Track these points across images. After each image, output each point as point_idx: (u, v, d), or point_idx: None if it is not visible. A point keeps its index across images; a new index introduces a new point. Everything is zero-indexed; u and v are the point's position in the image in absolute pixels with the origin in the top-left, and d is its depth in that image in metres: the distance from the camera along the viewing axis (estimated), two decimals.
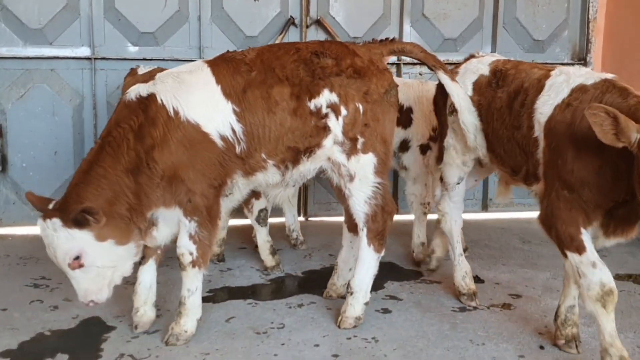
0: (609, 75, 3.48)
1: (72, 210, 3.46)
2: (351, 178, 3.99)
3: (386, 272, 5.06)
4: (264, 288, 4.82)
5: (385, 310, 4.37)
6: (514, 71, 3.96)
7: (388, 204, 4.10)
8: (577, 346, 3.74)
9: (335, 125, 3.91)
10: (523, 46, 6.89)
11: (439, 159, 4.56)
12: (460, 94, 4.16)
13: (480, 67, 4.20)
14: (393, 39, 4.30)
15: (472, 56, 4.48)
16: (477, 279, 4.93)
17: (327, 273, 4.77)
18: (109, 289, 3.67)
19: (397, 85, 4.15)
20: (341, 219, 4.54)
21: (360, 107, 3.94)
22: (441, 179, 4.61)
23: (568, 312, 3.78)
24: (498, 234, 6.27)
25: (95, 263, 3.56)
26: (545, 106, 3.57)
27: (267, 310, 4.34)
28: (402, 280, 4.98)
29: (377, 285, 4.65)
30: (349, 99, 3.91)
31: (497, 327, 4.12)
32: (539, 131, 3.59)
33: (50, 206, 3.57)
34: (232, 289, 4.76)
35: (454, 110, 4.20)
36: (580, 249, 3.31)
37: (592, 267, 3.29)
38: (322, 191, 6.78)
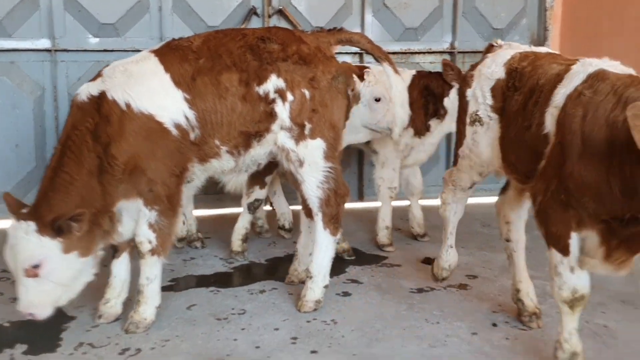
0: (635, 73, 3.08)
1: (45, 217, 3.48)
2: (301, 163, 4.07)
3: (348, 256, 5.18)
4: (227, 276, 4.86)
5: (346, 294, 4.45)
6: (531, 68, 3.53)
7: (340, 187, 4.18)
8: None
9: (282, 110, 3.98)
10: (483, 35, 6.98)
11: (454, 162, 4.25)
12: (400, 88, 4.40)
13: (496, 70, 3.73)
14: (341, 29, 4.42)
15: (491, 46, 4.03)
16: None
17: (290, 260, 4.80)
18: (52, 308, 3.63)
19: (344, 73, 4.23)
20: None
21: (307, 93, 4.01)
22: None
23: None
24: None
25: (51, 277, 3.54)
26: (557, 96, 3.16)
27: (229, 297, 4.39)
28: (364, 264, 5.07)
29: (338, 269, 4.77)
30: (295, 84, 3.99)
31: (452, 306, 4.23)
32: (550, 126, 3.19)
33: (24, 210, 3.58)
34: (195, 277, 4.80)
35: (476, 120, 3.87)
36: (564, 251, 3.13)
37: (570, 271, 3.15)
38: None
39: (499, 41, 4.04)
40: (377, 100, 4.86)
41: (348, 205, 5.82)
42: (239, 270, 4.98)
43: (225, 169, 4.10)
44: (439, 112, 5.45)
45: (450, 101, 5.38)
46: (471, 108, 3.89)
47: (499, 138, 3.73)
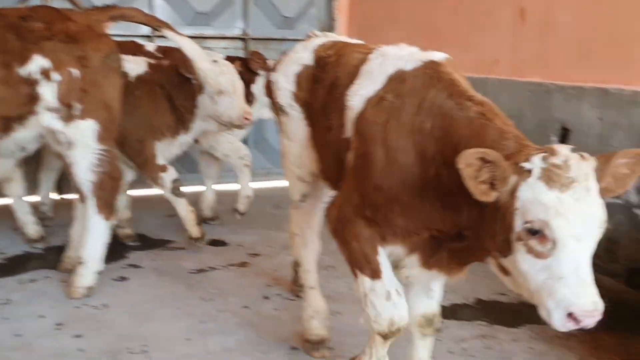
0: (436, 55, 2.68)
1: None
2: (70, 145, 3.94)
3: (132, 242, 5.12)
4: None
5: (123, 278, 4.39)
6: (335, 58, 3.11)
7: (115, 171, 4.10)
8: None
9: (48, 91, 3.83)
10: (274, 23, 7.17)
11: None
12: (192, 45, 4.36)
13: (304, 55, 3.29)
14: (113, 6, 4.32)
15: (308, 37, 3.58)
16: (222, 243, 5.13)
17: None
18: None
19: (118, 51, 4.16)
20: None
21: (76, 72, 3.88)
22: None
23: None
24: (253, 201, 6.50)
25: None
26: (355, 98, 2.76)
27: None
28: (148, 249, 5.03)
29: (119, 255, 4.73)
30: (62, 64, 3.85)
31: (229, 284, 4.34)
32: (349, 130, 2.78)
33: None
34: None
35: (280, 110, 3.39)
36: (375, 273, 2.66)
37: (386, 299, 2.66)
38: None
39: (316, 32, 3.64)
40: (220, 93, 4.83)
41: (138, 192, 5.80)
42: (11, 261, 4.70)
43: None
44: (248, 99, 5.55)
45: (258, 88, 5.65)
46: (277, 97, 3.41)
47: (308, 137, 3.27)
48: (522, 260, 2.06)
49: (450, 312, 3.88)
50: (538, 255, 2.02)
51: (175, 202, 4.93)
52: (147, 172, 4.93)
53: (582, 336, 3.60)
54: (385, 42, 3.38)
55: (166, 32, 4.40)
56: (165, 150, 5.01)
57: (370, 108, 2.66)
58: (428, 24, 6.11)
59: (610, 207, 2.15)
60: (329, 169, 3.10)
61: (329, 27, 7.37)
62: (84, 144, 3.98)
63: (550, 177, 2.00)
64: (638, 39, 4.27)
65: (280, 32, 7.15)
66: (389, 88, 2.64)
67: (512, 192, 2.07)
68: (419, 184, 2.45)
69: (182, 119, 4.95)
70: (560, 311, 1.98)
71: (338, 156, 2.90)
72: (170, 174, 4.89)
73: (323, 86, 3.08)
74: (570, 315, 1.96)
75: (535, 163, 2.04)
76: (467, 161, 2.09)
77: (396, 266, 2.73)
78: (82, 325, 3.65)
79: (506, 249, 2.12)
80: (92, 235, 4.08)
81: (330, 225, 2.84)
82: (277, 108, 3.43)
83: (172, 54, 5.24)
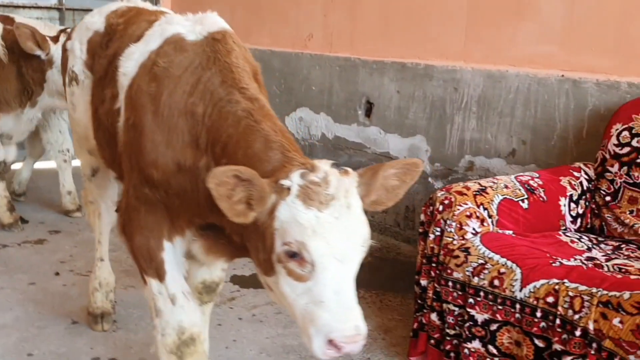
0: (219, 24, 2.41)
1: None
2: None
3: None
4: None
5: None
6: (123, 27, 2.79)
7: None
8: None
9: None
10: None
11: None
12: None
13: (96, 20, 2.97)
14: None
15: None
16: (22, 220, 4.83)
17: None
18: None
19: None
20: None
21: None
22: None
23: None
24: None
25: None
26: (128, 62, 2.47)
27: None
28: None
29: None
30: None
31: (20, 261, 4.12)
32: (121, 100, 2.47)
33: None
34: None
35: (72, 79, 3.07)
36: (160, 273, 2.36)
37: (171, 302, 2.36)
38: None
39: None
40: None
41: None
42: None
43: None
44: None
45: None
46: (69, 63, 3.11)
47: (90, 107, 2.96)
48: (284, 283, 1.86)
49: (250, 281, 3.91)
50: (298, 278, 1.82)
51: None
52: None
53: (370, 297, 3.79)
54: (207, 9, 3.27)
55: None
56: (13, 128, 4.71)
57: (142, 74, 2.37)
58: None
59: None
60: (102, 146, 2.84)
61: None
62: None
63: (308, 195, 1.81)
64: (430, 17, 4.51)
65: (99, 2, 6.77)
66: (163, 52, 2.35)
67: (271, 212, 1.86)
68: (191, 171, 2.20)
69: (29, 90, 4.61)
70: (320, 338, 1.79)
71: (109, 131, 2.61)
72: None
73: (105, 56, 2.77)
74: (330, 341, 1.77)
75: (294, 180, 1.84)
76: (219, 180, 1.82)
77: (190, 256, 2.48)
78: None
79: (269, 269, 1.93)
80: None
81: (119, 222, 2.51)
82: (70, 77, 3.09)
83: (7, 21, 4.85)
